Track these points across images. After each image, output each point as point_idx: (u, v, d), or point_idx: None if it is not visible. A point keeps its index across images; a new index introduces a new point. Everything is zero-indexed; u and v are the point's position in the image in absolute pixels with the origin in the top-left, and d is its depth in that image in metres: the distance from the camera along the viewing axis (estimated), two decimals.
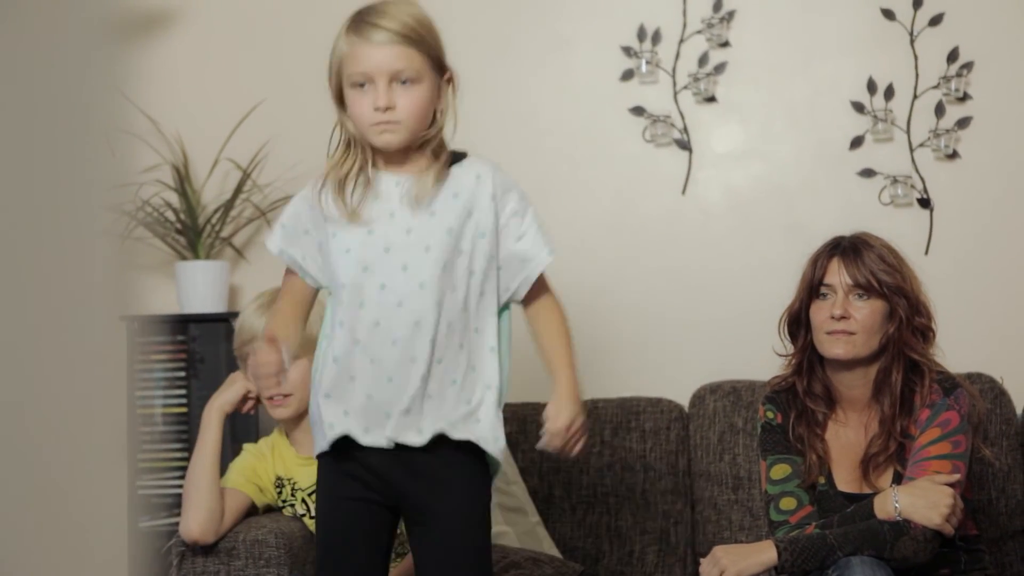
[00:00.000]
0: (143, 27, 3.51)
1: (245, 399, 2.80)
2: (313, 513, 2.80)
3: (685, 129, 3.46)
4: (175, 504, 3.16)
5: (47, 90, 0.86)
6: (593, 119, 3.51)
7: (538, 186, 3.51)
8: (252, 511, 2.83)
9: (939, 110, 3.37)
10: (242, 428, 3.14)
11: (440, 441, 2.16)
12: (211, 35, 3.62)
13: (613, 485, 3.20)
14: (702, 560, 2.54)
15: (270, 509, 2.87)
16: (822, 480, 2.60)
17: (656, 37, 3.46)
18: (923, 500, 2.44)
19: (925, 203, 3.38)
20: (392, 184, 2.19)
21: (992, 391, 3.07)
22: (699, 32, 3.45)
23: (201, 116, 3.56)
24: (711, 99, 3.45)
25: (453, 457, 2.17)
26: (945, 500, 2.43)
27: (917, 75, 3.39)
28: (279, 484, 2.83)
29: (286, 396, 2.77)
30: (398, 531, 2.30)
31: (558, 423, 2.16)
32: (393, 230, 2.16)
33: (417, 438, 2.15)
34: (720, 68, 3.45)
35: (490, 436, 2.19)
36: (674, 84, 3.46)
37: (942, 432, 2.52)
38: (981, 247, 3.38)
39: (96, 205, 0.92)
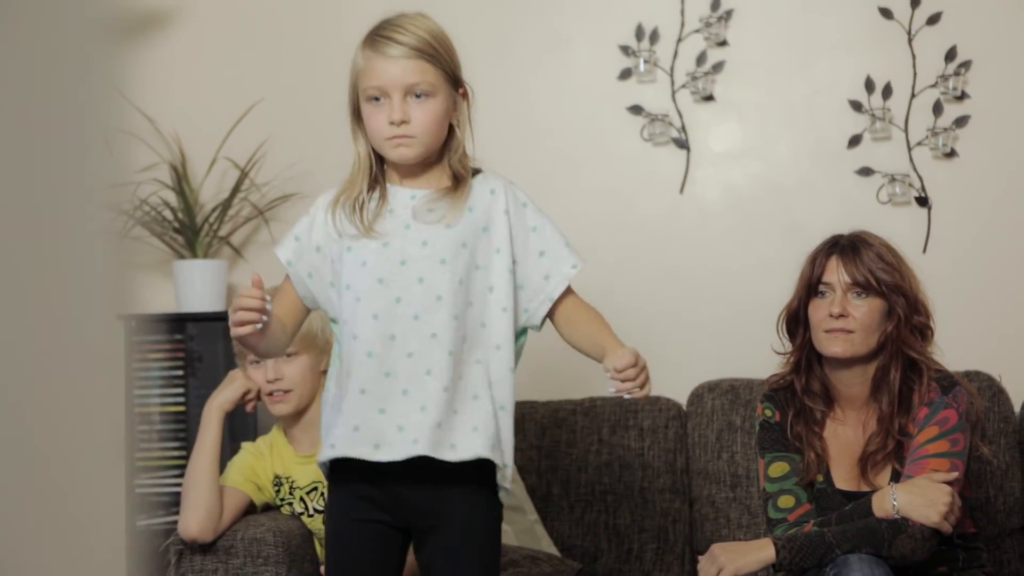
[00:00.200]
0: (141, 26, 3.51)
1: (245, 397, 2.81)
2: (311, 511, 2.80)
3: (683, 128, 3.46)
4: (173, 503, 3.16)
5: (44, 89, 0.86)
6: (591, 118, 3.51)
7: (536, 184, 3.51)
8: (250, 509, 2.83)
9: (937, 109, 3.37)
10: (240, 427, 3.14)
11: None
12: (209, 34, 3.62)
13: (611, 483, 3.20)
14: (700, 558, 2.54)
15: (268, 508, 2.87)
16: (820, 478, 2.60)
17: (654, 36, 3.46)
18: (921, 498, 2.44)
19: (923, 202, 3.38)
20: (407, 198, 2.19)
21: (990, 389, 3.07)
22: (697, 31, 3.46)
23: (199, 115, 3.56)
24: (709, 98, 3.45)
25: (464, 470, 2.15)
26: (943, 498, 2.43)
27: (915, 74, 3.39)
28: (277, 482, 2.83)
29: (286, 392, 2.77)
30: None
31: (624, 359, 2.11)
32: (408, 243, 2.16)
33: (451, 454, 2.12)
34: (718, 67, 3.45)
35: (504, 459, 2.18)
36: (672, 83, 3.46)
37: (940, 430, 2.52)
38: (979, 246, 3.38)
39: (94, 204, 0.92)
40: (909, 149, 3.39)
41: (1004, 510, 3.04)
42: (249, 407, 2.83)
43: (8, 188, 0.84)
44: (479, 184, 2.21)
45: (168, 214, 3.47)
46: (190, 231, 3.46)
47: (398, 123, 2.13)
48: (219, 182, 3.55)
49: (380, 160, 2.22)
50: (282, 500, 2.84)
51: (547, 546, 3.09)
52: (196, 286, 3.40)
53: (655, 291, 3.47)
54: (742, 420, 3.14)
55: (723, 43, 3.45)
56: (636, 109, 3.47)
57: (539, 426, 3.25)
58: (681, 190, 3.47)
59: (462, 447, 2.12)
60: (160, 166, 3.50)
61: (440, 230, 2.16)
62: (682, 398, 3.27)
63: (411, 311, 2.14)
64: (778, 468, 2.61)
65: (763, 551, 2.46)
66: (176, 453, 3.25)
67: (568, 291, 2.24)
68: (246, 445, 2.88)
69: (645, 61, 3.45)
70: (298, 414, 2.81)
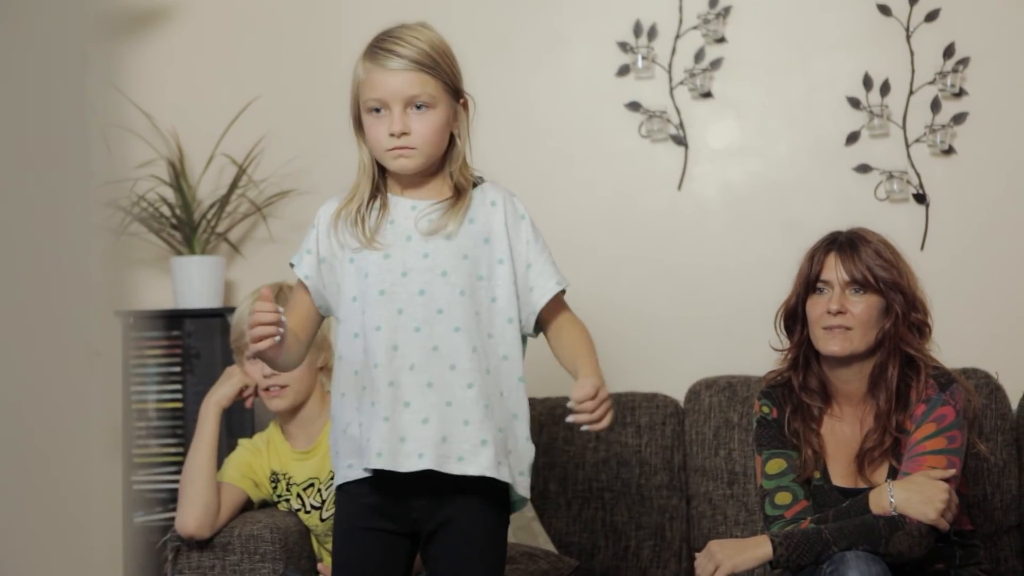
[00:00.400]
0: (139, 22, 3.51)
1: (242, 393, 2.81)
2: (308, 507, 2.80)
3: (681, 125, 3.46)
4: (170, 499, 3.16)
5: (42, 85, 0.86)
6: (589, 114, 3.51)
7: (534, 181, 3.52)
8: (247, 506, 2.83)
9: (935, 106, 3.37)
10: (238, 423, 3.14)
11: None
12: (207, 31, 3.62)
13: (608, 480, 3.20)
14: (697, 555, 2.53)
15: (265, 504, 2.87)
16: (817, 475, 2.60)
17: (652, 33, 3.46)
18: (918, 495, 2.44)
19: (921, 199, 3.38)
20: (408, 208, 2.20)
21: (987, 386, 3.07)
22: (695, 28, 3.45)
23: (196, 111, 3.56)
24: (707, 95, 3.45)
25: (472, 479, 2.15)
26: (940, 495, 2.43)
27: (913, 71, 3.39)
28: (274, 479, 2.83)
29: (282, 387, 2.77)
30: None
31: (584, 390, 2.11)
32: (409, 254, 2.17)
33: (457, 467, 2.13)
34: (716, 64, 3.45)
35: (515, 470, 2.19)
36: (670, 80, 3.46)
37: (937, 427, 2.52)
38: (977, 243, 3.38)
39: (91, 200, 0.91)
40: (907, 146, 3.39)
41: (1001, 507, 3.04)
42: (248, 403, 2.83)
43: (5, 184, 0.84)
44: (480, 195, 2.22)
45: (166, 210, 3.47)
46: (188, 227, 3.45)
47: (398, 135, 2.14)
48: (217, 178, 3.55)
49: (382, 169, 2.22)
50: (279, 496, 2.84)
51: (544, 543, 3.09)
52: (194, 282, 3.39)
53: (653, 288, 3.47)
54: (739, 417, 3.14)
55: (721, 40, 3.45)
56: (634, 106, 3.47)
57: (536, 423, 3.24)
58: (679, 187, 3.47)
59: (469, 461, 2.13)
60: (158, 162, 3.50)
61: (441, 242, 2.17)
62: (679, 395, 3.27)
63: (412, 323, 2.15)
64: (775, 465, 2.61)
65: (760, 548, 2.46)
66: (173, 450, 3.25)
67: (560, 307, 2.25)
68: (243, 442, 2.88)
69: (643, 58, 3.45)
70: (294, 410, 2.81)
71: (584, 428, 2.13)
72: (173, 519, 2.76)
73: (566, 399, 3.26)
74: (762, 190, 3.45)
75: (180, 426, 3.26)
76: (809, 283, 2.62)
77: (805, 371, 2.65)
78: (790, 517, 2.55)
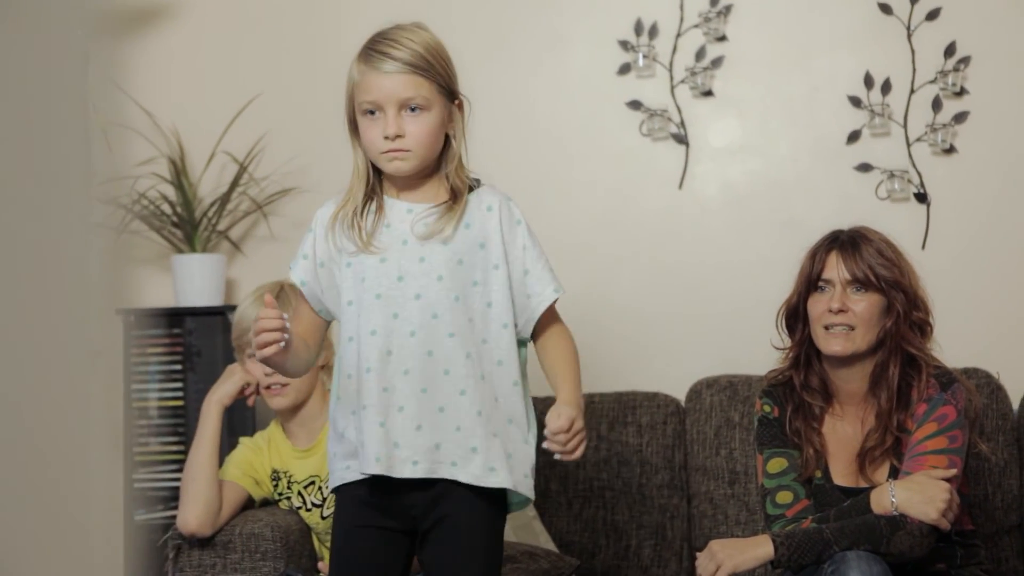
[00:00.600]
0: (140, 20, 3.51)
1: (244, 391, 2.81)
2: (309, 506, 2.80)
3: (682, 123, 3.46)
4: (171, 497, 3.16)
5: (43, 84, 0.86)
6: (590, 113, 3.51)
7: (535, 180, 3.52)
8: (248, 504, 2.83)
9: (936, 105, 3.37)
10: (239, 421, 3.14)
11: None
12: (208, 28, 3.62)
13: (609, 479, 3.20)
14: (698, 554, 2.53)
15: (266, 503, 2.87)
16: (819, 474, 2.60)
17: (653, 31, 3.46)
18: (919, 495, 2.44)
19: (922, 198, 3.38)
20: (404, 211, 2.19)
21: (988, 386, 3.07)
22: (696, 26, 3.45)
23: (198, 109, 3.55)
24: (708, 93, 3.45)
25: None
26: (941, 495, 2.43)
27: (914, 70, 3.39)
28: (275, 477, 2.83)
29: (284, 386, 2.77)
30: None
31: (558, 422, 2.14)
32: (406, 259, 2.17)
33: (449, 472, 2.15)
34: (717, 62, 3.45)
35: (518, 472, 2.20)
36: (671, 78, 3.46)
37: (939, 427, 2.52)
38: (978, 242, 3.38)
39: (92, 198, 0.91)
40: (908, 145, 3.39)
41: (1002, 507, 3.04)
42: (250, 401, 2.83)
43: (6, 182, 0.84)
44: (476, 199, 2.21)
45: (167, 208, 3.46)
46: (188, 225, 3.45)
47: (392, 137, 2.14)
48: (218, 176, 3.54)
49: (378, 172, 2.22)
50: (280, 495, 2.84)
51: (545, 542, 3.09)
52: (195, 280, 3.39)
53: (654, 287, 3.47)
54: (740, 416, 3.14)
55: (722, 38, 3.45)
56: (635, 104, 3.46)
57: (537, 422, 3.24)
58: (680, 185, 3.47)
59: (461, 467, 2.14)
60: (159, 160, 3.49)
61: (436, 247, 2.16)
62: (680, 394, 3.27)
63: (408, 327, 2.15)
64: (776, 464, 2.61)
65: (761, 547, 2.45)
66: (174, 448, 3.25)
67: (552, 316, 2.25)
68: (244, 440, 2.88)
69: (644, 56, 3.45)
70: (295, 408, 2.81)
71: (556, 457, 2.16)
72: (174, 517, 2.76)
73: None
74: (763, 189, 3.45)
75: (181, 424, 3.26)
76: (811, 282, 2.62)
77: (806, 370, 2.64)
78: (791, 516, 2.54)
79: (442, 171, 2.21)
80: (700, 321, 3.44)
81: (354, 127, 2.22)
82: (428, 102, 2.16)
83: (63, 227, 0.90)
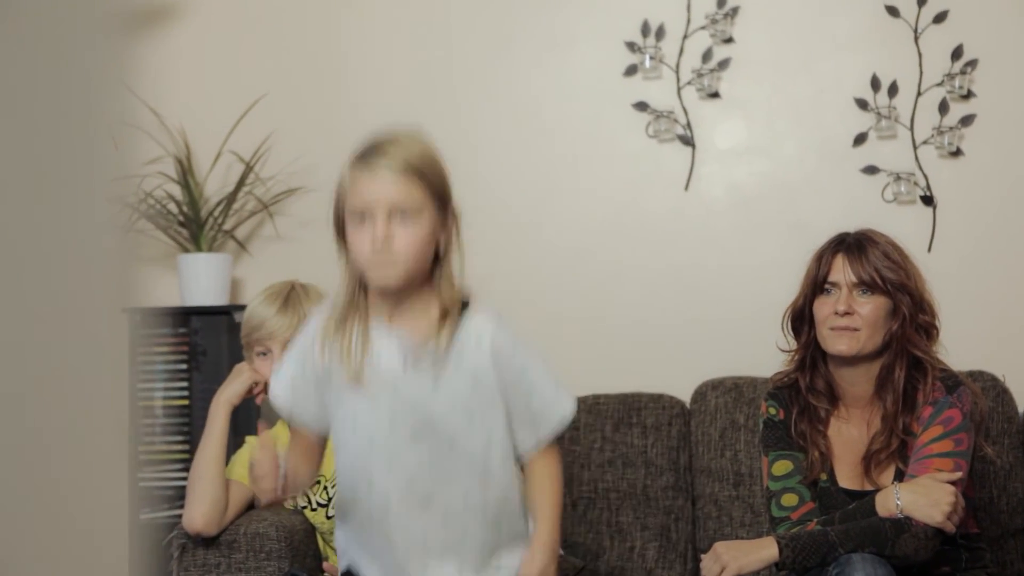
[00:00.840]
0: (147, 20, 3.51)
1: (252, 390, 2.81)
2: (314, 505, 2.80)
3: (688, 125, 3.46)
4: (176, 496, 3.16)
5: (52, 83, 0.86)
6: (596, 115, 3.51)
7: (541, 181, 3.52)
8: (253, 504, 2.83)
9: (943, 107, 3.37)
10: (244, 421, 3.14)
11: None
12: (214, 28, 3.62)
13: (614, 481, 3.20)
14: (703, 556, 2.53)
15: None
16: (824, 477, 2.60)
17: (660, 33, 3.46)
18: (925, 498, 2.43)
19: (928, 200, 3.38)
20: (393, 339, 2.11)
21: (994, 389, 3.07)
22: (703, 28, 3.45)
23: (204, 109, 3.56)
24: (715, 95, 3.45)
25: None
26: (947, 498, 2.43)
27: (921, 72, 3.39)
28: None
29: None
30: None
31: (530, 569, 2.14)
32: (397, 401, 2.11)
33: None
34: (724, 64, 3.44)
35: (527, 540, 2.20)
36: (678, 80, 3.46)
37: (944, 430, 2.51)
38: (984, 245, 3.38)
39: (100, 198, 0.91)
40: (915, 148, 3.39)
41: (1007, 510, 3.04)
42: (258, 399, 2.83)
43: (15, 181, 0.84)
44: (466, 330, 2.11)
45: (173, 208, 3.47)
46: (195, 225, 3.45)
47: (380, 243, 2.04)
48: (224, 176, 3.55)
49: (365, 290, 2.13)
50: None
51: None
52: (200, 280, 3.39)
53: (659, 288, 3.47)
54: (746, 418, 3.14)
55: (729, 40, 3.45)
56: (641, 106, 3.46)
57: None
58: (686, 187, 3.47)
59: None
60: (165, 159, 3.50)
61: (428, 391, 2.11)
62: (686, 396, 3.27)
63: (405, 474, 2.13)
64: (782, 466, 2.60)
65: (766, 550, 2.45)
66: (180, 447, 3.25)
67: (549, 453, 2.19)
68: (251, 439, 2.88)
69: (651, 58, 3.45)
70: None
71: None
72: (179, 516, 2.76)
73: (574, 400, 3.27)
74: (769, 191, 3.45)
75: (186, 423, 3.26)
76: (817, 284, 2.62)
77: (812, 372, 2.64)
78: (796, 519, 2.54)
79: (432, 288, 2.12)
80: (705, 322, 3.43)
81: (341, 235, 2.11)
82: (419, 209, 2.05)
83: (72, 226, 0.90)
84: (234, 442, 2.93)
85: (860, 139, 3.40)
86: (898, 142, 3.40)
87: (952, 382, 2.55)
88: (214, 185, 3.54)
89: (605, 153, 3.50)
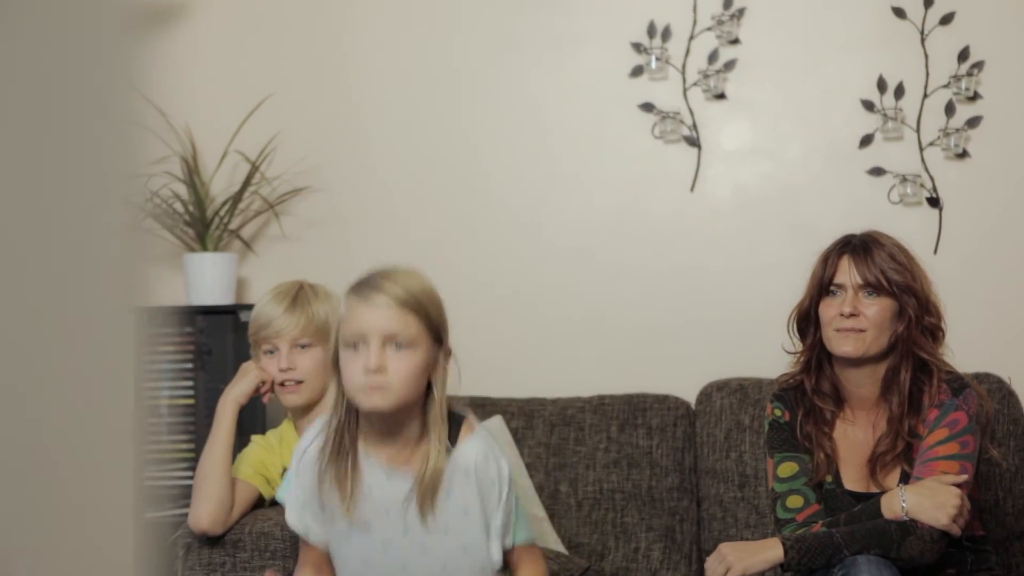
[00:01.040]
0: (153, 20, 3.52)
1: (259, 389, 2.81)
2: None
3: (694, 126, 3.46)
4: (181, 496, 3.15)
5: (60, 82, 0.86)
6: (602, 115, 3.50)
7: (546, 182, 3.52)
8: (259, 503, 2.83)
9: (949, 109, 3.36)
10: (250, 420, 3.14)
11: None
12: (220, 28, 3.62)
13: (619, 481, 3.20)
14: (708, 557, 2.53)
15: (276, 502, 2.87)
16: (829, 478, 2.60)
17: (666, 34, 3.46)
18: (930, 500, 2.43)
19: (934, 202, 3.38)
20: (382, 477, 2.18)
21: (1000, 391, 3.06)
22: (709, 29, 3.45)
23: (210, 108, 3.56)
24: (721, 96, 3.45)
25: None
26: (952, 500, 2.43)
27: (927, 74, 3.38)
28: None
29: (298, 383, 2.77)
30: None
31: None
32: (391, 531, 2.18)
33: None
34: (730, 65, 3.44)
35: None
36: (684, 81, 3.46)
37: (950, 432, 2.51)
38: (990, 247, 3.37)
39: (109, 198, 0.92)
40: (921, 149, 3.38)
41: (1013, 513, 3.03)
42: (265, 398, 2.83)
43: (22, 181, 0.84)
44: (455, 460, 2.18)
45: (179, 207, 3.47)
46: (200, 224, 3.46)
47: (373, 370, 2.07)
48: (230, 175, 3.55)
49: (356, 420, 2.18)
50: None
51: (554, 544, 3.09)
52: (206, 279, 3.40)
53: (664, 288, 3.46)
54: (751, 419, 3.14)
55: (735, 41, 3.45)
56: (647, 107, 3.46)
57: (547, 423, 3.25)
58: (692, 188, 3.47)
59: None
60: (171, 159, 3.50)
61: (419, 524, 2.17)
62: (691, 397, 3.27)
63: None
64: (787, 468, 2.60)
65: (771, 551, 2.45)
66: (185, 446, 3.25)
67: (532, 555, 2.28)
68: (256, 438, 2.88)
69: (657, 58, 3.45)
70: (308, 407, 2.81)
71: None
72: (184, 515, 2.76)
73: (577, 399, 3.29)
74: (775, 192, 3.44)
75: (192, 422, 3.26)
76: (822, 286, 2.61)
77: (818, 374, 2.64)
78: (801, 520, 2.54)
79: (421, 419, 2.17)
80: (711, 323, 3.43)
81: (337, 365, 2.16)
82: (414, 341, 2.10)
83: (81, 226, 0.90)
84: (239, 441, 2.93)
85: (866, 140, 3.40)
86: (904, 144, 3.40)
87: (958, 384, 2.55)
88: (220, 185, 3.54)
89: (611, 154, 3.50)
